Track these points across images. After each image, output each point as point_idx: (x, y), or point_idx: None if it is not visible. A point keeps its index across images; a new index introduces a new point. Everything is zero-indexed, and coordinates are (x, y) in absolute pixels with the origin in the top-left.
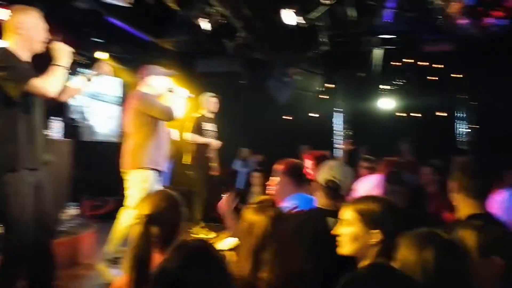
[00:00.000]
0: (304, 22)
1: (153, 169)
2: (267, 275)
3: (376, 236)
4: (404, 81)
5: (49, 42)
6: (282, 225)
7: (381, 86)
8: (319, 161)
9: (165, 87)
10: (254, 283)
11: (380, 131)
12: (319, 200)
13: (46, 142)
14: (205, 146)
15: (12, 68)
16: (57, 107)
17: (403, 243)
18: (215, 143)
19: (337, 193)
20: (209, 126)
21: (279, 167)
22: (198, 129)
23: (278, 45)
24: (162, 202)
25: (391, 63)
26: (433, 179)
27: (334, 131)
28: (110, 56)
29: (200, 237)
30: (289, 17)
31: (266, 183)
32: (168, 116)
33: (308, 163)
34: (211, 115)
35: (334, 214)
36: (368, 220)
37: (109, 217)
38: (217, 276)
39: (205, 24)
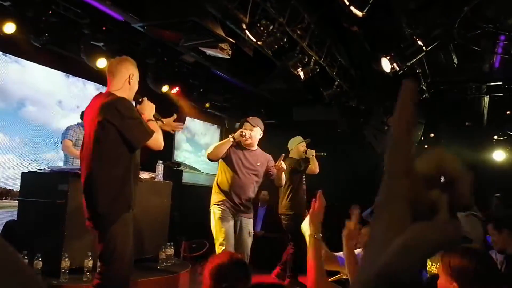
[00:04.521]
0: (399, 69)
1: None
2: None
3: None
4: None
5: (140, 99)
6: None
7: (494, 137)
8: None
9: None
10: None
11: (490, 185)
12: None
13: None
14: (303, 193)
15: (139, 120)
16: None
17: None
18: None
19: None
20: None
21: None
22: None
23: (376, 93)
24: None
25: (505, 112)
26: None
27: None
28: (211, 104)
29: None
30: (386, 64)
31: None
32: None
33: None
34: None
35: None
36: (449, 271)
37: (205, 259)
38: None
39: (302, 73)
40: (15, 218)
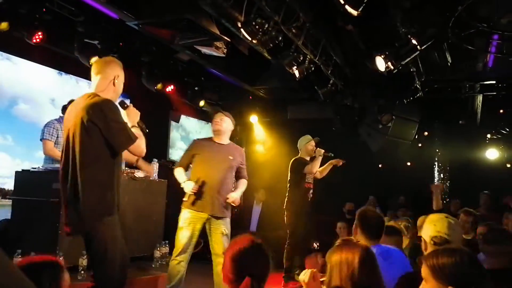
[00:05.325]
0: (394, 67)
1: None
2: None
3: None
4: (508, 129)
5: (125, 104)
6: (371, 261)
7: (488, 136)
8: None
9: None
10: None
11: (485, 183)
12: None
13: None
14: (305, 191)
15: (123, 124)
16: (155, 149)
17: None
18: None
19: None
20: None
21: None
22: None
23: (370, 91)
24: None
25: (499, 110)
26: None
27: (434, 182)
28: (206, 102)
29: None
30: (380, 63)
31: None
32: None
33: None
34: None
35: None
36: (439, 275)
37: (200, 257)
38: None
39: (297, 72)
40: (9, 217)
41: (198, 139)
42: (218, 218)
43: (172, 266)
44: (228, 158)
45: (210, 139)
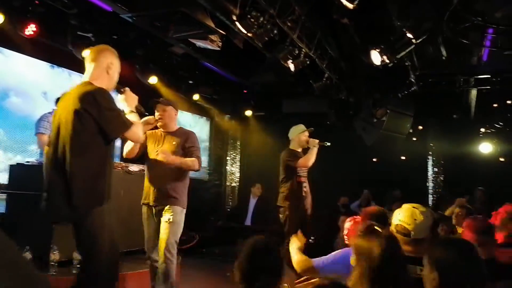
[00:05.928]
0: (389, 61)
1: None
2: None
3: (434, 277)
4: (501, 123)
5: (121, 89)
6: (396, 244)
7: (481, 130)
8: None
9: None
10: None
11: (478, 177)
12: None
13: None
14: (299, 185)
15: (117, 111)
16: None
17: None
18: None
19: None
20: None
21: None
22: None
23: (365, 85)
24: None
25: (493, 104)
26: None
27: (428, 176)
28: (201, 96)
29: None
30: (375, 57)
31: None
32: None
33: None
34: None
35: (413, 260)
36: (431, 262)
37: (194, 252)
38: None
39: (292, 66)
40: (3, 211)
41: (148, 131)
42: (163, 205)
43: (149, 264)
44: (172, 144)
45: (158, 129)
